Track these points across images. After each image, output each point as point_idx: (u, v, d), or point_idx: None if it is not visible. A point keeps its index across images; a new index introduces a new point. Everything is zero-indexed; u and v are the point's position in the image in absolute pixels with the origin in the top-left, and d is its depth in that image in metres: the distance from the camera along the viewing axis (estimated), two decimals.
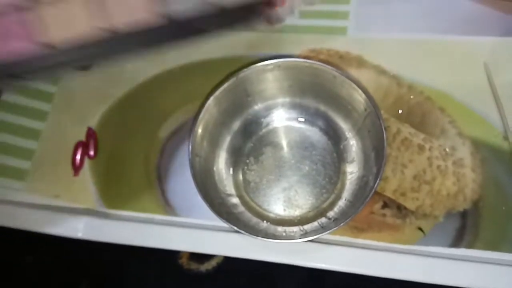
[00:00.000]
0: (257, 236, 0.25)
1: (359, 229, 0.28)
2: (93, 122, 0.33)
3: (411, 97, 0.31)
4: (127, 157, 0.32)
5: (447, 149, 0.29)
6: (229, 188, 0.29)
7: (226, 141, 0.30)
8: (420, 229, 0.28)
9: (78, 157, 0.32)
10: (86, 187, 0.31)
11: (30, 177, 0.32)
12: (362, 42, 0.33)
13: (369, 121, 0.27)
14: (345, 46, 0.33)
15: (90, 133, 0.32)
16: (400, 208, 0.28)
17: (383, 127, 0.26)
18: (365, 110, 0.27)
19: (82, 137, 0.32)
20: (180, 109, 0.33)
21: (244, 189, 0.30)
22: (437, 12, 0.33)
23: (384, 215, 0.28)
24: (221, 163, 0.30)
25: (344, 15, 0.34)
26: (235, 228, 0.25)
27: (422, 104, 0.31)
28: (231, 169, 0.30)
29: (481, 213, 0.28)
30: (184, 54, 0.35)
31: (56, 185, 0.31)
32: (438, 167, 0.29)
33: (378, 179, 0.25)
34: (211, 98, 0.28)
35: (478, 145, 0.29)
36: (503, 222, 0.27)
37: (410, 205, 0.28)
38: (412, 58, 0.32)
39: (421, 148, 0.30)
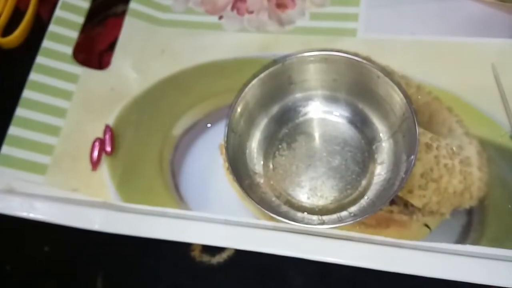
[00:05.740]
0: (281, 218, 0.26)
1: (367, 225, 0.29)
2: (110, 119, 0.34)
3: (419, 97, 0.32)
4: (142, 153, 0.33)
5: (454, 148, 0.30)
6: (258, 167, 0.30)
7: (263, 123, 0.31)
8: (427, 225, 0.28)
9: (95, 153, 0.33)
10: (103, 181, 0.32)
11: (50, 171, 0.33)
12: (371, 43, 0.34)
13: (405, 126, 0.28)
14: (355, 47, 0.34)
15: (108, 130, 0.33)
16: (407, 205, 0.29)
17: (417, 135, 0.27)
18: (403, 114, 0.28)
19: (100, 133, 0.34)
20: (193, 108, 0.34)
21: (272, 171, 0.30)
22: (445, 14, 0.34)
23: (391, 211, 0.29)
24: (254, 143, 0.31)
25: (353, 17, 0.35)
26: (259, 206, 0.26)
27: (430, 104, 0.32)
28: (263, 150, 0.31)
29: (487, 211, 0.28)
30: (198, 55, 0.36)
31: (75, 179, 0.32)
32: (445, 165, 0.30)
33: (402, 185, 0.26)
34: (256, 80, 0.29)
35: (484, 145, 0.30)
36: (509, 219, 0.28)
37: (417, 202, 0.29)
38: (421, 59, 0.33)
39: (428, 147, 0.30)
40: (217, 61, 0.36)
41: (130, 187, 0.32)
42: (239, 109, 0.29)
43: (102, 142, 0.33)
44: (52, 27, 0.38)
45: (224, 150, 0.28)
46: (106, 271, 0.31)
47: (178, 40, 0.37)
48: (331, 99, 0.32)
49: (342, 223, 0.27)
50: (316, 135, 0.31)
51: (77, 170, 0.33)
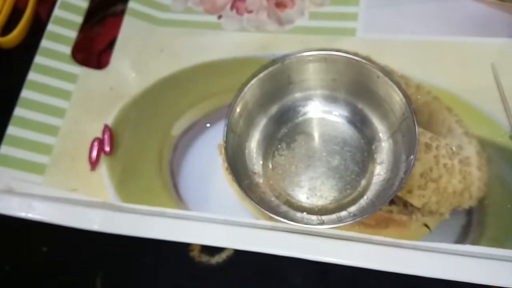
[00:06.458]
0: (281, 218, 0.26)
1: (366, 225, 0.29)
2: (109, 119, 0.34)
3: (419, 97, 0.32)
4: (141, 153, 0.33)
5: (454, 148, 0.30)
6: (257, 167, 0.30)
7: (262, 123, 0.31)
8: (426, 225, 0.28)
9: (94, 153, 0.33)
10: (102, 181, 0.32)
11: (48, 171, 0.33)
12: (371, 43, 0.34)
13: (405, 126, 0.28)
14: (354, 47, 0.34)
15: (106, 130, 0.33)
16: (406, 205, 0.29)
17: (417, 135, 0.26)
18: (403, 114, 0.28)
19: (98, 133, 0.33)
20: (192, 108, 0.34)
21: (272, 171, 0.30)
22: (445, 14, 0.34)
23: (390, 211, 0.29)
24: (254, 143, 0.31)
25: (353, 17, 0.35)
26: (258, 206, 0.26)
27: (429, 103, 0.32)
28: (262, 150, 0.31)
29: (486, 211, 0.28)
30: (197, 55, 0.36)
31: (74, 179, 0.32)
32: (445, 165, 0.30)
33: (402, 184, 0.26)
34: (255, 79, 0.29)
35: (484, 144, 0.30)
36: (508, 219, 0.28)
37: (416, 202, 0.29)
38: (420, 58, 0.33)
39: (428, 146, 0.30)
40: (216, 60, 0.35)
41: (129, 187, 0.32)
42: (238, 109, 0.29)
43: (101, 142, 0.33)
44: (50, 27, 0.37)
45: (223, 150, 0.28)
46: (105, 271, 0.31)
47: (177, 39, 0.37)
48: (331, 99, 0.32)
49: (341, 223, 0.27)
50: (316, 135, 0.31)
51: (76, 170, 0.33)
